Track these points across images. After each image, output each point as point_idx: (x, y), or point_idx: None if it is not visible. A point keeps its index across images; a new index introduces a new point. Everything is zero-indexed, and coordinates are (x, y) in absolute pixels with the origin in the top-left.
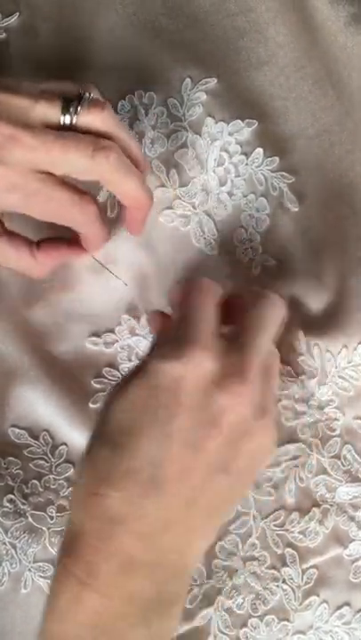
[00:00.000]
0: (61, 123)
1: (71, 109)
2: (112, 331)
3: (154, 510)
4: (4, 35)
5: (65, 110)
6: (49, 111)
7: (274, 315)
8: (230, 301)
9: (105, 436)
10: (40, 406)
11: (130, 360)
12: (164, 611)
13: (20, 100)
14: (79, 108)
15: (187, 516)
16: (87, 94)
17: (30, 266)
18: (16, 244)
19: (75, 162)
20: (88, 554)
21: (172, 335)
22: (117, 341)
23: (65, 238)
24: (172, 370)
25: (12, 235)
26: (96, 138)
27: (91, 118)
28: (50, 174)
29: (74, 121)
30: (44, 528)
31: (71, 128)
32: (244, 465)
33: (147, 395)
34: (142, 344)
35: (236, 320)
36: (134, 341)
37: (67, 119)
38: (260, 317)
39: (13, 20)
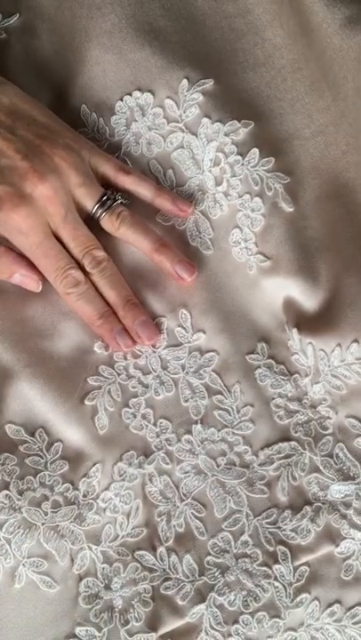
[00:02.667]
0: (90, 213)
1: (106, 204)
2: None
3: None
4: (4, 35)
5: (98, 206)
6: (86, 198)
7: None
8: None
9: None
10: (36, 403)
11: (125, 358)
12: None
13: (74, 175)
14: (107, 210)
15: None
16: (119, 202)
17: None
18: None
19: (72, 246)
20: None
21: None
22: None
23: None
24: None
25: None
26: (96, 249)
27: (109, 226)
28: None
29: (99, 219)
30: (38, 524)
31: (93, 219)
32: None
33: None
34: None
35: None
36: None
37: (95, 214)
38: None
39: (14, 20)
